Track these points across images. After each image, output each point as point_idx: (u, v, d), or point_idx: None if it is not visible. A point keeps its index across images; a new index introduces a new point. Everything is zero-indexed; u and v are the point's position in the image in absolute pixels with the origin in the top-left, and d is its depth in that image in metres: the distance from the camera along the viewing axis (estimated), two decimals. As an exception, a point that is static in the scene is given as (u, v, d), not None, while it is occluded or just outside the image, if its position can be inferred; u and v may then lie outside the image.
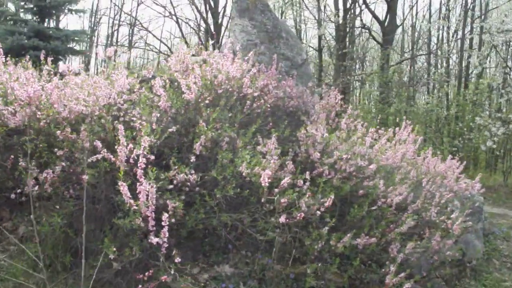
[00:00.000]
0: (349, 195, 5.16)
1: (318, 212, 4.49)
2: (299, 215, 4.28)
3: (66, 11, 13.20)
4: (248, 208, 4.70)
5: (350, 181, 5.20)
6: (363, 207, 4.93)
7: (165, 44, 25.76)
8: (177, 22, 23.70)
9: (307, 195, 4.47)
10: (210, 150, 4.83)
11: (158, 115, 4.81)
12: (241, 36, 7.46)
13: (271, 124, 5.60)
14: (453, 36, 21.86)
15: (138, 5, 33.76)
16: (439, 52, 20.18)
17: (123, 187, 3.60)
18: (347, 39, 20.51)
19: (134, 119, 4.73)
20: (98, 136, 4.53)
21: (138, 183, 3.65)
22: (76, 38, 12.92)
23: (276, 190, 4.38)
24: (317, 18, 19.41)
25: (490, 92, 17.02)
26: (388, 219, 5.15)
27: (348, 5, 20.06)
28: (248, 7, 7.53)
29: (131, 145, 4.03)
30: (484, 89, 16.53)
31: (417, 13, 24.18)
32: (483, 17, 18.33)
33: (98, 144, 4.16)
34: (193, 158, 4.60)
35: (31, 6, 12.39)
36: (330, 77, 20.65)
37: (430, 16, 22.79)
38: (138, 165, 3.73)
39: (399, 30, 25.53)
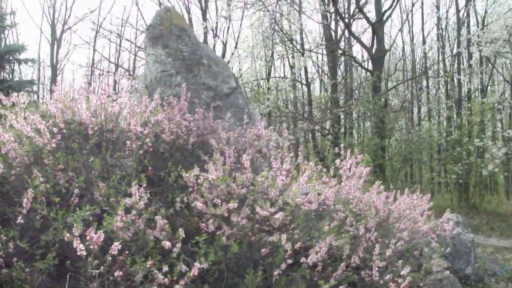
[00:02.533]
0: (245, 256, 3.80)
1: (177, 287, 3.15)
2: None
3: (13, 60, 12.43)
4: None
5: (248, 237, 3.84)
6: (256, 273, 3.55)
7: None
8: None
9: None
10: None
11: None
12: (154, 68, 6.34)
13: (150, 168, 4.33)
14: (452, 56, 20.56)
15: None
16: (438, 73, 18.81)
17: None
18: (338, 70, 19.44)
19: None
20: None
21: None
22: (23, 88, 12.01)
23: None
24: (300, 50, 18.31)
25: (493, 112, 15.46)
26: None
27: (336, 36, 19.13)
28: (161, 33, 6.43)
29: None
30: (486, 108, 15.05)
31: (412, 37, 22.99)
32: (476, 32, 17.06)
33: None
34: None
35: None
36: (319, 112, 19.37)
37: (424, 38, 21.55)
38: None
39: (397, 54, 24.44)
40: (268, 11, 17.42)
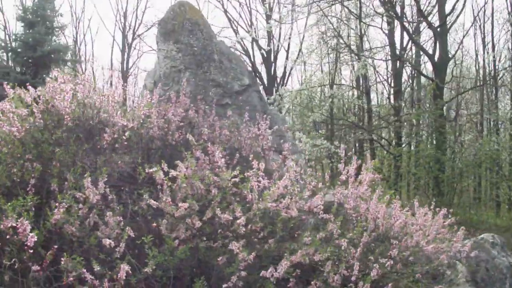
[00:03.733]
0: (199, 263, 3.40)
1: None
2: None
3: (60, 62, 12.85)
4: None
5: (203, 242, 3.44)
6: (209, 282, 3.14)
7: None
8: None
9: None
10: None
11: None
12: (164, 63, 6.15)
13: (120, 163, 4.06)
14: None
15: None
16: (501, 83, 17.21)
17: None
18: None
19: None
20: None
21: None
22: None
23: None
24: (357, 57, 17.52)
25: None
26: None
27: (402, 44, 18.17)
28: (173, 28, 6.23)
29: None
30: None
31: (484, 45, 21.28)
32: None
33: None
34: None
35: (24, 57, 12.20)
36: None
37: (494, 45, 19.83)
38: None
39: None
40: (325, 15, 16.89)
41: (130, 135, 4.43)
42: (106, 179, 3.64)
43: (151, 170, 3.68)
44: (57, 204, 3.31)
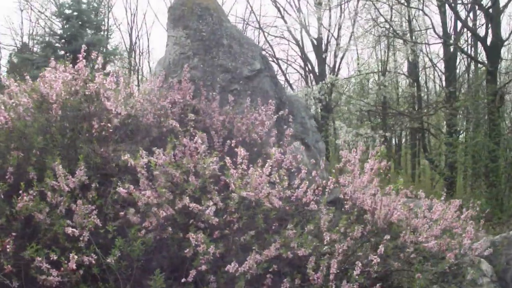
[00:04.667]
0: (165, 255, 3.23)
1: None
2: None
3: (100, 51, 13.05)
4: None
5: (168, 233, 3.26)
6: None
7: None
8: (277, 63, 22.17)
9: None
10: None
11: None
12: (173, 50, 6.02)
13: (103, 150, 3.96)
14: None
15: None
16: None
17: None
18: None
19: None
20: None
21: None
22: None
23: None
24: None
25: None
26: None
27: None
28: (182, 14, 6.07)
29: None
30: None
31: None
32: None
33: None
34: None
35: (60, 52, 12.54)
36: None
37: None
38: None
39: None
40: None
41: (126, 123, 4.33)
42: (82, 167, 3.56)
43: (125, 157, 3.55)
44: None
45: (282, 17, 21.13)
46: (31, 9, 20.83)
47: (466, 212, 4.54)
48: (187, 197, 3.28)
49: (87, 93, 4.32)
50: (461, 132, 15.72)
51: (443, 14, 16.54)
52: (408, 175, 19.87)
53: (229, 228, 3.38)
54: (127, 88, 4.90)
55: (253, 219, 3.47)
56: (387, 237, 3.54)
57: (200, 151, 3.67)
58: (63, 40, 12.96)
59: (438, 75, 20.44)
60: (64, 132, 4.07)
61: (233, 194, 3.37)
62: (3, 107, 4.04)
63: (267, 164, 3.61)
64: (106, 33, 18.36)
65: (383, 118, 17.76)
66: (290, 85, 22.61)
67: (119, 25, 19.30)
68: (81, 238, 3.16)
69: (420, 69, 18.84)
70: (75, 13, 12.87)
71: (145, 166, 3.62)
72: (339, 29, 20.59)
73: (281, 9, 20.98)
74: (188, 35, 5.98)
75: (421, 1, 16.69)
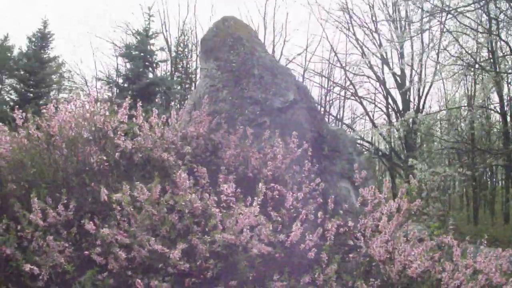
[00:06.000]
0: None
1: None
2: None
3: (156, 93, 13.37)
4: None
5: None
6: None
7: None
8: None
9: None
10: None
11: None
12: (204, 83, 5.87)
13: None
14: None
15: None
16: None
17: None
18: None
19: None
20: None
21: None
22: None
23: None
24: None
25: None
26: None
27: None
28: (214, 45, 5.90)
29: None
30: None
31: None
32: None
33: None
34: None
35: (125, 91, 12.97)
36: None
37: None
38: None
39: None
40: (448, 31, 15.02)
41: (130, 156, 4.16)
42: (65, 201, 3.38)
43: (103, 194, 3.30)
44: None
45: (363, 54, 20.47)
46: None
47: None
48: (153, 239, 2.92)
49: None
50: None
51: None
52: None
53: (203, 276, 2.95)
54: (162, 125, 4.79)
55: (235, 266, 3.00)
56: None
57: (185, 187, 3.31)
58: (127, 80, 13.57)
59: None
60: (64, 166, 3.96)
61: (205, 236, 2.95)
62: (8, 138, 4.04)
63: (254, 203, 3.15)
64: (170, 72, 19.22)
65: (472, 156, 16.23)
66: (374, 123, 21.52)
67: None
68: (40, 277, 2.92)
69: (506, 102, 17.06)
70: (141, 54, 13.49)
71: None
72: (422, 64, 19.44)
73: (364, 47, 20.36)
74: (218, 67, 5.77)
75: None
